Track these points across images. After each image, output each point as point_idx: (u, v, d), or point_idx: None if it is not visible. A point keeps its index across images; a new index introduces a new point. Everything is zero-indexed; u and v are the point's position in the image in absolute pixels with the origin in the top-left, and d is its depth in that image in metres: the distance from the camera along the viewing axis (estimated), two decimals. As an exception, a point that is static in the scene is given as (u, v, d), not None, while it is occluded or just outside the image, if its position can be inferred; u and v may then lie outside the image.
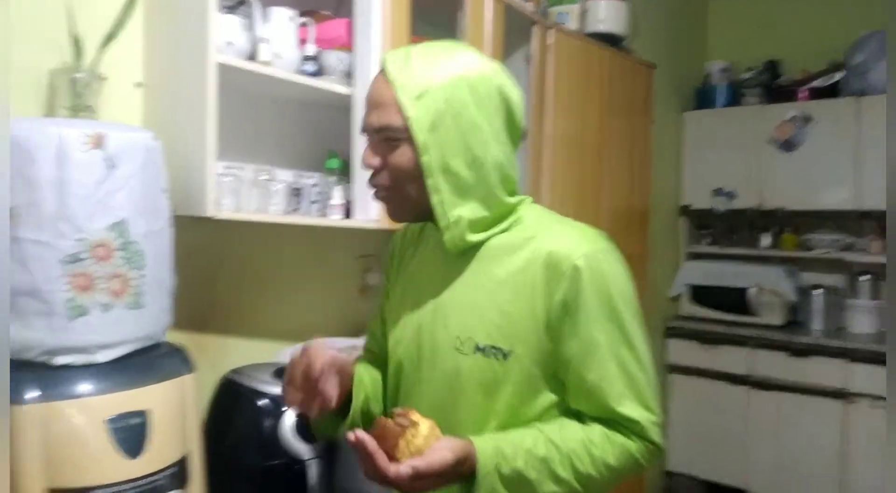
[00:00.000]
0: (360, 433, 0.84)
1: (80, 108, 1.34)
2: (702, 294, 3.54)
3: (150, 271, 1.26)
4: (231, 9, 1.57)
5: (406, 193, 0.98)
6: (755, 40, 3.78)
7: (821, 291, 3.36)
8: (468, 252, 1.00)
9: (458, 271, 1.01)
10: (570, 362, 0.95)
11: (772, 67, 3.63)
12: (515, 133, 1.01)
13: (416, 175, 0.95)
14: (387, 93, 0.95)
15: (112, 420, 1.15)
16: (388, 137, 0.95)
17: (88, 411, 1.15)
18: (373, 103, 0.97)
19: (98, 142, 1.20)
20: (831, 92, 3.36)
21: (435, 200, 0.95)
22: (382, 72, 0.97)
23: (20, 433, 1.10)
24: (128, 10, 1.42)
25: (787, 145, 3.37)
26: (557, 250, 0.95)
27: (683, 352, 3.51)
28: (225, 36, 1.51)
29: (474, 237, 0.99)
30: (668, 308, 3.66)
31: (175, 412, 1.25)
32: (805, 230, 3.48)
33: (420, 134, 0.93)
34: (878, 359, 2.96)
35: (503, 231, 1.00)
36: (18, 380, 1.12)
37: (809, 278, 3.54)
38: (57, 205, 1.15)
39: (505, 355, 0.95)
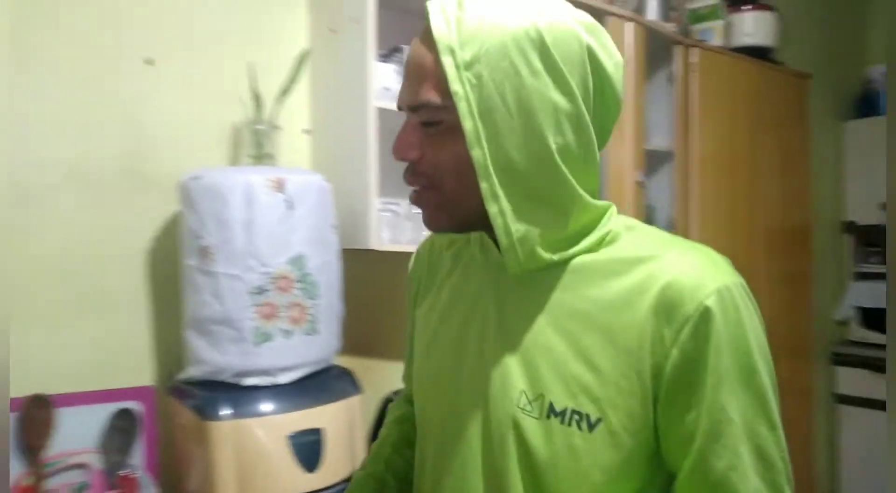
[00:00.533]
0: None
1: (262, 156, 1.50)
2: (872, 317, 3.25)
3: (323, 300, 1.39)
4: (385, 57, 1.70)
5: (451, 195, 0.71)
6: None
7: None
8: (538, 277, 0.73)
9: (522, 302, 0.74)
10: (687, 441, 0.67)
11: (946, 67, 3.31)
12: (608, 114, 0.74)
13: (464, 172, 0.69)
14: (427, 57, 0.69)
15: (292, 437, 1.27)
16: (428, 121, 0.70)
17: (272, 427, 1.27)
18: (409, 71, 0.72)
19: (279, 186, 1.35)
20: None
21: (493, 209, 0.68)
22: (425, 27, 0.70)
23: (216, 447, 1.25)
24: (300, 65, 1.59)
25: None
26: (678, 282, 0.67)
27: (854, 381, 3.23)
28: (381, 82, 1.63)
29: (551, 256, 0.71)
30: (835, 333, 3.39)
31: (345, 430, 1.35)
32: None
33: (468, 118, 0.66)
34: None
35: (590, 250, 0.73)
36: (215, 400, 1.27)
37: None
38: (245, 242, 1.30)
39: (591, 425, 0.68)
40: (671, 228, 2.16)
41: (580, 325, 0.70)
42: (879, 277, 3.40)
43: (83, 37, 1.43)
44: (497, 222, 0.68)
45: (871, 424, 3.17)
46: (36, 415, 1.29)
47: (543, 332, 0.71)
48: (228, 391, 1.29)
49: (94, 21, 1.44)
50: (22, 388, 1.25)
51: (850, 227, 3.44)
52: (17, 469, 1.25)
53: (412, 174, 0.72)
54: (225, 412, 1.26)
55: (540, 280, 0.73)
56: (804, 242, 2.72)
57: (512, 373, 0.71)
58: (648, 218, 2.16)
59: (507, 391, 0.71)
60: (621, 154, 1.96)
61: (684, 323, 0.65)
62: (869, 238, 3.48)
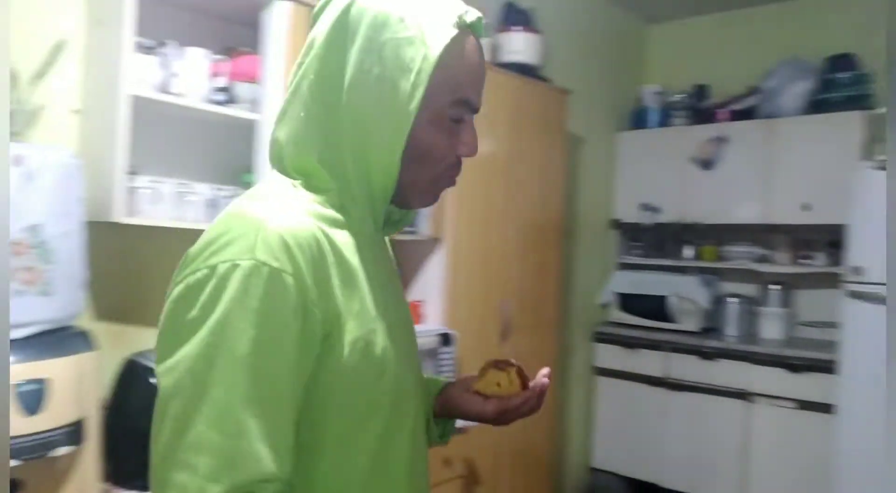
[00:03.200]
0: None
1: (11, 133, 1.63)
2: (628, 302, 3.80)
3: (60, 265, 1.55)
4: (149, 49, 1.87)
5: None
6: (687, 66, 4.05)
7: (735, 299, 3.62)
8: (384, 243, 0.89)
9: (388, 262, 0.88)
10: None
11: (700, 91, 3.91)
12: None
13: None
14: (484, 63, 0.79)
15: (18, 385, 1.43)
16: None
17: None
18: (482, 75, 0.79)
19: (17, 160, 1.49)
20: (747, 114, 3.63)
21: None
22: (475, 34, 0.78)
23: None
24: (54, 54, 1.73)
25: (707, 164, 3.64)
26: None
27: (609, 356, 3.76)
28: (139, 72, 1.80)
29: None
30: (599, 315, 3.91)
31: (73, 383, 1.52)
32: (723, 243, 3.74)
33: None
34: (778, 362, 3.21)
35: None
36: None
37: (728, 287, 3.80)
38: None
39: None
40: (429, 217, 2.47)
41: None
42: (639, 267, 3.98)
43: None
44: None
45: (621, 392, 3.72)
46: None
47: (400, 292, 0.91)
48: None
49: None
50: None
51: (617, 224, 3.98)
52: None
53: (460, 166, 0.82)
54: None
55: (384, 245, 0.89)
56: (557, 237, 3.13)
57: (410, 325, 0.88)
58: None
59: (413, 340, 0.88)
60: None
61: None
62: (633, 234, 4.05)
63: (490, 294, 2.66)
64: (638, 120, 4.02)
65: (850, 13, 3.52)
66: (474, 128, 0.81)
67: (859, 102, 3.29)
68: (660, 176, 3.82)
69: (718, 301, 3.68)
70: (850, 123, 3.22)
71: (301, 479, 0.71)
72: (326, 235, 0.73)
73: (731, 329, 3.60)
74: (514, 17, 2.93)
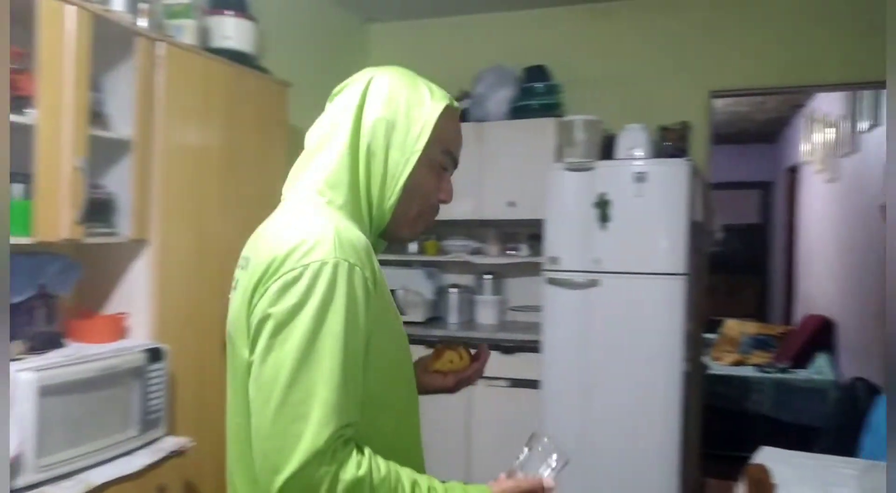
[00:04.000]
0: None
1: None
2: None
3: None
4: None
5: None
6: (407, 67, 4.17)
7: (455, 290, 3.84)
8: None
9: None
10: None
11: (417, 91, 4.06)
12: None
13: None
14: None
15: None
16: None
17: None
18: (461, 142, 1.11)
19: None
20: (462, 117, 3.85)
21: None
22: (458, 111, 1.10)
23: None
24: None
25: (424, 162, 3.80)
26: None
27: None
28: None
29: None
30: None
31: None
32: (443, 237, 3.95)
33: None
34: (493, 346, 3.48)
35: None
36: None
37: (450, 278, 4.03)
38: None
39: None
40: (131, 215, 2.18)
41: None
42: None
43: None
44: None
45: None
46: None
47: None
48: None
49: None
50: None
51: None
52: None
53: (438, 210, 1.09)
54: None
55: None
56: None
57: None
58: (105, 204, 2.15)
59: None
60: (60, 139, 1.90)
61: None
62: (360, 230, 4.08)
63: (207, 301, 2.44)
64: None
65: (544, 29, 3.94)
66: (451, 182, 1.09)
67: (552, 109, 3.70)
68: (383, 173, 3.88)
69: (441, 292, 3.88)
70: (545, 129, 3.60)
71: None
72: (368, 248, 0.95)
73: (453, 318, 3.82)
74: (226, 1, 2.73)
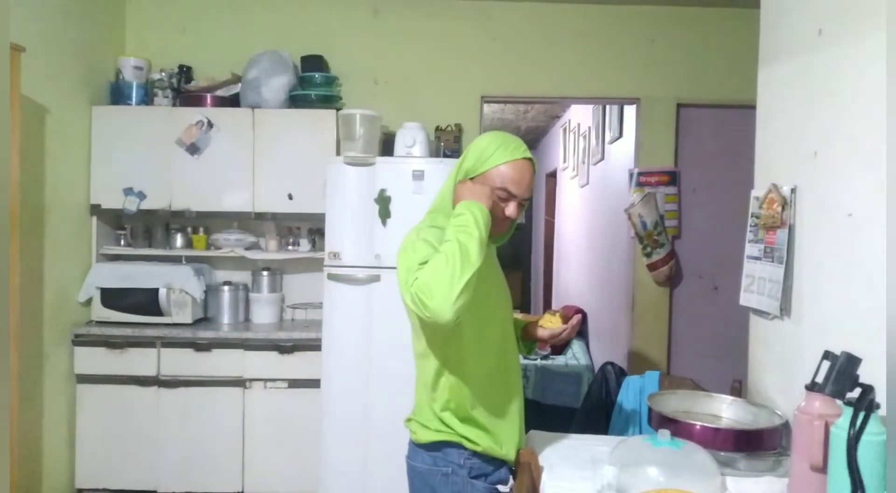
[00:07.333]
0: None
1: None
2: (113, 297, 3.41)
3: None
4: None
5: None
6: (170, 44, 3.82)
7: (228, 287, 3.60)
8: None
9: (494, 259, 1.81)
10: None
11: (184, 71, 3.73)
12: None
13: None
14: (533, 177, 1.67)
15: None
16: (525, 201, 1.66)
17: None
18: (525, 182, 1.62)
19: None
20: (233, 101, 3.62)
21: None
22: (531, 161, 1.65)
23: None
24: None
25: (193, 148, 3.50)
26: None
27: (91, 360, 3.32)
28: None
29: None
30: (80, 314, 3.41)
31: None
32: (214, 231, 3.69)
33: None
34: (270, 346, 3.31)
35: None
36: None
37: (222, 275, 3.77)
38: None
39: None
40: None
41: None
42: (126, 258, 3.61)
43: None
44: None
45: (107, 398, 3.32)
46: None
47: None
48: None
49: None
50: None
51: (97, 210, 3.53)
52: None
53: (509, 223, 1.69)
54: None
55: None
56: (14, 226, 2.59)
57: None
58: None
59: (509, 303, 1.85)
60: None
61: None
62: (118, 221, 3.65)
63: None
64: (117, 95, 3.62)
65: (322, 18, 3.84)
66: (518, 205, 1.64)
67: (331, 102, 3.62)
68: (144, 158, 3.51)
69: (212, 290, 3.61)
70: (324, 121, 3.51)
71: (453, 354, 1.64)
72: None
73: (226, 317, 3.58)
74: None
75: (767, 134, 1.97)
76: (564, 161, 6.84)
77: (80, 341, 3.32)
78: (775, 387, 1.85)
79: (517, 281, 8.98)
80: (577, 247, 6.23)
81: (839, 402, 1.20)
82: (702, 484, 1.36)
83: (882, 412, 1.14)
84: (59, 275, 3.24)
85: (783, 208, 1.78)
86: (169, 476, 3.33)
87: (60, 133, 3.26)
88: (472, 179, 1.63)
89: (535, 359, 4.28)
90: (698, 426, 1.57)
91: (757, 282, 1.91)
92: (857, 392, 1.16)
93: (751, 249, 1.95)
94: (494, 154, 1.60)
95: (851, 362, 1.20)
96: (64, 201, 3.29)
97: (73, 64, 3.35)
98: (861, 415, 1.11)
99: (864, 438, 1.11)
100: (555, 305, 7.18)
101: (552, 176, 7.77)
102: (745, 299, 1.98)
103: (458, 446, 1.66)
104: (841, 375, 1.20)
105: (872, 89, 1.41)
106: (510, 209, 1.62)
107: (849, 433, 1.12)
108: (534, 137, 8.20)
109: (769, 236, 1.84)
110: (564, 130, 6.76)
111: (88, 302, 3.44)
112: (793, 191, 1.75)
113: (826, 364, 1.25)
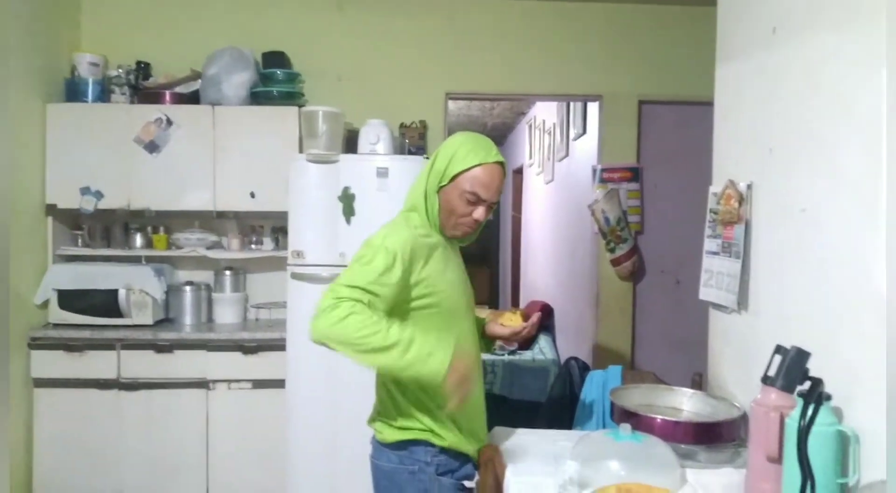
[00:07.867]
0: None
1: None
2: (71, 299, 3.33)
3: None
4: None
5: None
6: (128, 39, 3.74)
7: (190, 287, 3.54)
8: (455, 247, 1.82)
9: (458, 256, 1.81)
10: None
11: (142, 68, 3.65)
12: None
13: None
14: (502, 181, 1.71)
15: None
16: (493, 204, 1.69)
17: None
18: (494, 185, 1.65)
19: None
20: (192, 98, 3.56)
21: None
22: (502, 165, 1.68)
23: None
24: None
25: (152, 146, 3.43)
26: None
27: (49, 363, 3.23)
28: None
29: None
30: (36, 317, 3.32)
31: None
32: (175, 230, 3.62)
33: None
34: (234, 347, 3.27)
35: None
36: None
37: (184, 275, 3.70)
38: None
39: None
40: None
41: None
42: (83, 258, 3.52)
43: None
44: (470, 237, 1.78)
45: (65, 402, 3.24)
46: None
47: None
48: None
49: None
50: None
51: (53, 210, 3.43)
52: None
53: (477, 225, 1.72)
54: None
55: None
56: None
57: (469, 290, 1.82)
58: None
59: (472, 300, 1.82)
60: None
61: None
62: (74, 222, 3.56)
63: None
64: (73, 92, 3.52)
65: (283, 14, 3.79)
66: (486, 208, 1.66)
67: (293, 98, 3.58)
68: (101, 157, 3.42)
69: (173, 291, 3.55)
70: (286, 118, 3.46)
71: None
72: (419, 240, 1.62)
73: (188, 318, 3.52)
74: None
75: (725, 131, 2.00)
76: (530, 157, 6.88)
77: (36, 344, 3.24)
78: (734, 380, 1.89)
79: (485, 277, 9.01)
80: (543, 243, 6.27)
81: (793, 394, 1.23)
82: (662, 477, 1.38)
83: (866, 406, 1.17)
84: (13, 277, 3.15)
85: (740, 204, 1.81)
86: (131, 481, 3.26)
87: (19, 133, 3.16)
88: (441, 185, 1.64)
89: (503, 354, 4.30)
90: (659, 420, 1.59)
91: (715, 276, 1.94)
92: (807, 385, 1.19)
93: (709, 244, 1.98)
94: (466, 157, 1.61)
95: (801, 355, 1.23)
96: (18, 201, 3.20)
97: (25, 60, 3.26)
98: (811, 407, 1.13)
99: (815, 429, 1.14)
100: (522, 300, 7.22)
101: (518, 172, 7.81)
102: (704, 293, 2.01)
103: (425, 443, 1.66)
104: (792, 368, 1.23)
105: (827, 86, 1.44)
106: (478, 213, 1.64)
107: (799, 424, 1.14)
108: (500, 134, 8.23)
109: (727, 232, 1.87)
110: (530, 126, 6.79)
111: (45, 304, 3.35)
112: (749, 187, 1.78)
113: (778, 358, 1.28)
